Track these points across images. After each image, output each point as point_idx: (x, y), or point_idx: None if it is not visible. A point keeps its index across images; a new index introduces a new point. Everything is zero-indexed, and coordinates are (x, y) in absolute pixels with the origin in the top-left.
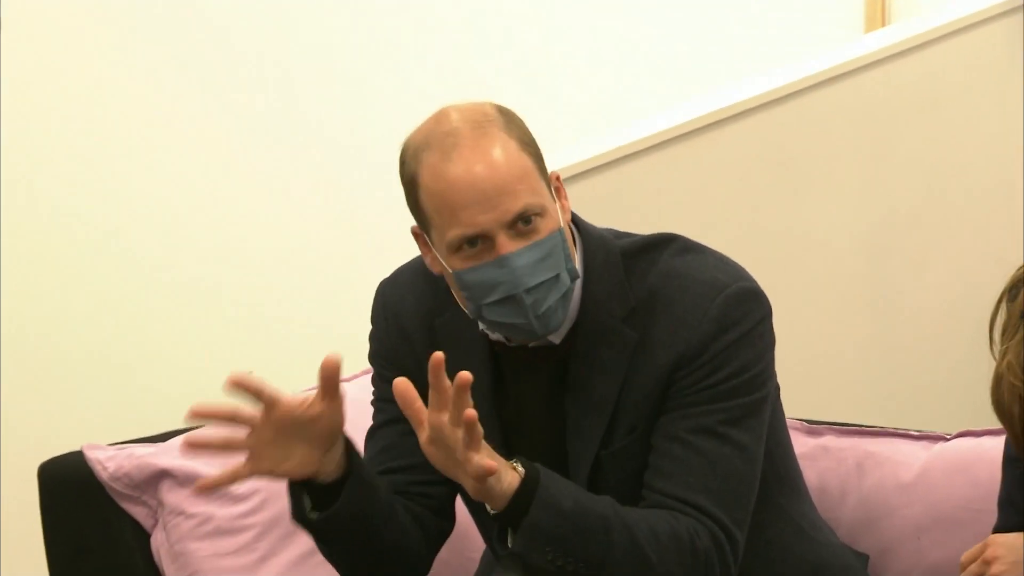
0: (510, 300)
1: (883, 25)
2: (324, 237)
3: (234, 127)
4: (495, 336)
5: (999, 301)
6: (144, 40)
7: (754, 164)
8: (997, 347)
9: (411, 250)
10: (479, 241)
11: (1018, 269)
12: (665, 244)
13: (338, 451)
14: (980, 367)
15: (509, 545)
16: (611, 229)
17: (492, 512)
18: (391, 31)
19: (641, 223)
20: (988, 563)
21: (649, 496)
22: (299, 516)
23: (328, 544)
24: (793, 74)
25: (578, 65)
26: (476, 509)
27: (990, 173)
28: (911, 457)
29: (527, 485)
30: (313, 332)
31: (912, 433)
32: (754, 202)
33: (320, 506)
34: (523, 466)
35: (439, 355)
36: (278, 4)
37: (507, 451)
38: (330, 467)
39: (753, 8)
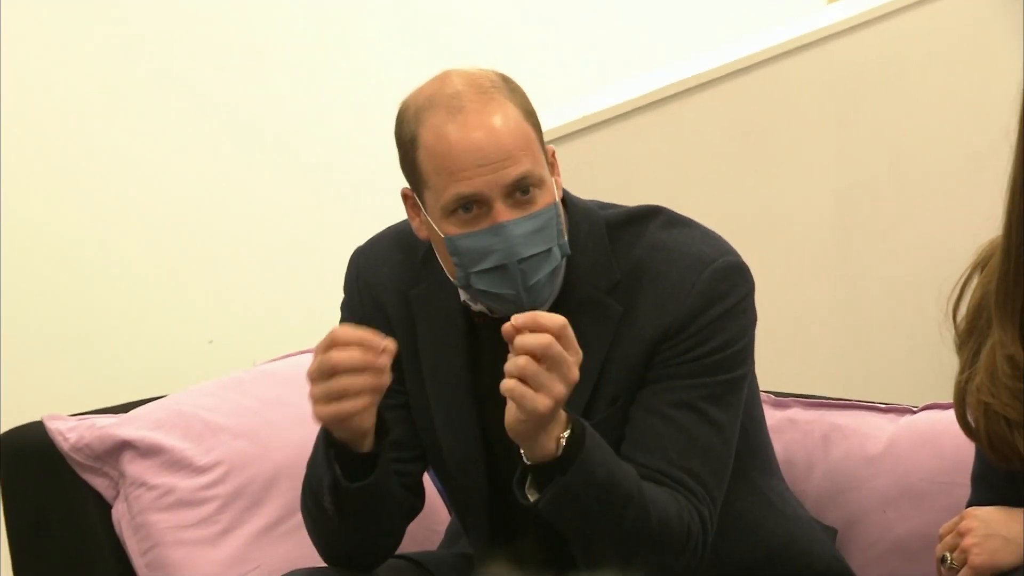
0: (501, 269)
1: None
2: (286, 207)
3: (200, 108)
4: (477, 307)
5: (965, 278)
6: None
7: (720, 134)
8: (954, 328)
9: (372, 223)
10: (475, 206)
11: (984, 245)
12: (651, 216)
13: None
14: (948, 340)
15: (530, 497)
16: (596, 200)
17: (528, 460)
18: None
19: (607, 192)
20: (962, 534)
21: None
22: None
23: (344, 515)
24: (758, 44)
25: (545, 34)
26: (449, 485)
27: (956, 143)
28: (878, 430)
29: (572, 444)
30: (276, 303)
31: (879, 405)
32: (719, 172)
33: (351, 476)
34: (571, 423)
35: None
36: None
37: (481, 427)
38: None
39: None
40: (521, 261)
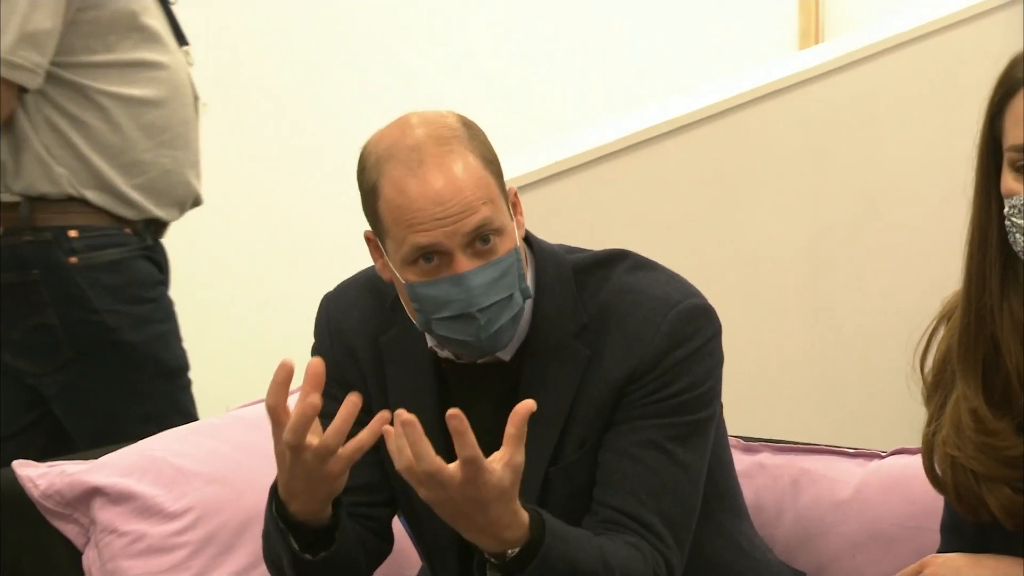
0: (463, 318)
1: (817, 42)
2: (257, 252)
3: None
4: (444, 354)
5: (931, 329)
6: None
7: (692, 179)
8: (920, 378)
9: (342, 269)
10: (435, 256)
11: (950, 297)
12: (618, 260)
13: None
14: (915, 390)
15: None
16: (562, 245)
17: (487, 556)
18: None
19: (579, 237)
20: None
21: (600, 511)
22: (289, 553)
23: None
24: (729, 90)
25: (517, 81)
26: (418, 530)
27: (927, 187)
28: (847, 474)
29: (532, 545)
30: (248, 348)
31: (848, 450)
32: (692, 216)
33: (311, 548)
34: (532, 521)
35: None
36: None
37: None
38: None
39: (689, 26)
40: (482, 310)
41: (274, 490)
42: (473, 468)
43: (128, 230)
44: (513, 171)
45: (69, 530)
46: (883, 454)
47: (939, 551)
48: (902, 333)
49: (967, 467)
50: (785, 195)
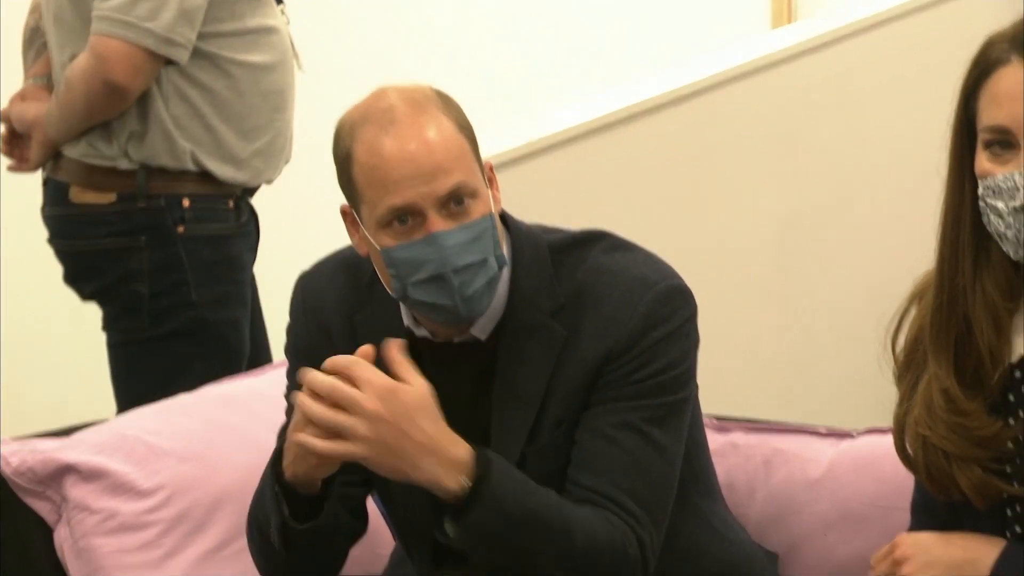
0: (437, 279)
1: (789, 22)
2: None
3: None
4: (420, 333)
5: (903, 310)
6: None
7: (666, 159)
8: (892, 357)
9: (317, 248)
10: (409, 218)
11: (922, 277)
12: (595, 241)
13: None
14: (886, 370)
15: (449, 533)
16: (539, 225)
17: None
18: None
19: (553, 217)
20: (899, 563)
21: (574, 491)
22: (279, 522)
23: (291, 550)
24: (703, 71)
25: (488, 61)
26: (392, 509)
27: (899, 168)
28: (819, 454)
29: (478, 483)
30: None
31: (820, 430)
32: (665, 197)
33: (299, 517)
34: (477, 462)
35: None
36: None
37: None
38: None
39: (662, 6)
40: (456, 271)
41: (277, 454)
42: (393, 381)
43: (230, 204)
44: (486, 151)
45: (41, 507)
46: (855, 434)
47: (910, 530)
48: (874, 313)
49: (938, 447)
50: (759, 175)
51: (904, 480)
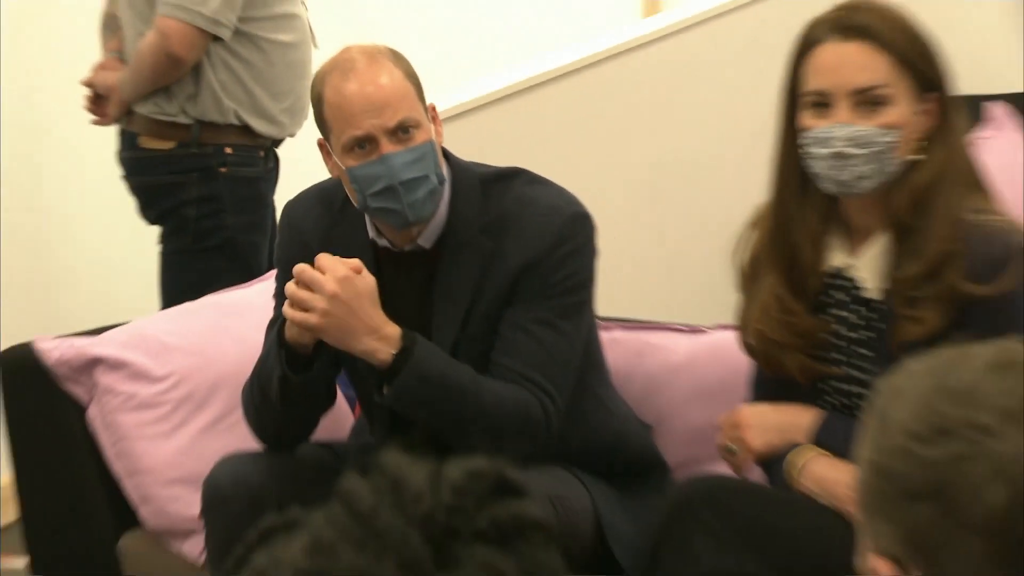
0: (389, 190)
1: (658, 10)
2: None
3: None
4: (382, 243)
5: (744, 234)
6: None
7: (569, 118)
8: (737, 273)
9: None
10: (367, 144)
11: (759, 207)
12: (516, 175)
13: None
14: (734, 276)
15: (384, 395)
16: (472, 162)
17: (378, 368)
18: None
19: (483, 157)
20: (739, 427)
21: (495, 370)
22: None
23: (284, 401)
24: (595, 47)
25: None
26: (358, 383)
27: (742, 125)
28: (680, 345)
29: (404, 354)
30: None
31: (681, 327)
32: (569, 145)
33: (296, 372)
34: (404, 338)
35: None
36: None
37: None
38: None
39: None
40: (403, 183)
41: (281, 325)
42: (351, 272)
43: (262, 153)
44: (442, 104)
45: (76, 391)
46: (707, 330)
47: (748, 403)
48: (723, 236)
49: (771, 338)
50: (637, 130)
51: (745, 364)
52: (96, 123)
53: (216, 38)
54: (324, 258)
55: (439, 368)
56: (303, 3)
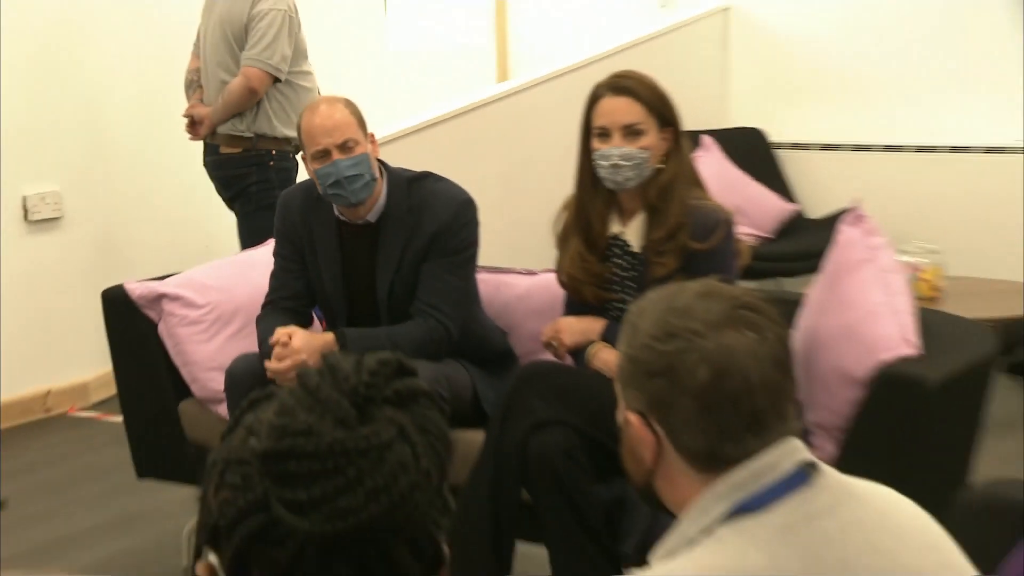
0: (337, 183)
1: (507, 77)
2: None
3: None
4: (343, 219)
5: (560, 212)
6: None
7: (458, 143)
8: (555, 236)
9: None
10: (325, 155)
11: (568, 197)
12: (428, 176)
13: None
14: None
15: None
16: (400, 167)
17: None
18: None
19: (413, 166)
20: (558, 331)
21: (417, 304)
22: None
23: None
24: (466, 100)
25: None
26: (327, 312)
27: (559, 148)
28: (522, 283)
29: (342, 343)
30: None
31: (522, 271)
32: (456, 160)
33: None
34: (338, 337)
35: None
36: None
37: (345, 281)
38: None
39: (434, 67)
40: (346, 178)
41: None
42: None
43: (292, 155)
44: (384, 131)
45: (151, 314)
46: (538, 272)
47: (563, 316)
48: (548, 216)
49: (576, 277)
50: (490, 151)
51: (560, 294)
52: (191, 139)
53: (276, 80)
54: (290, 335)
55: (364, 342)
56: (310, 62)
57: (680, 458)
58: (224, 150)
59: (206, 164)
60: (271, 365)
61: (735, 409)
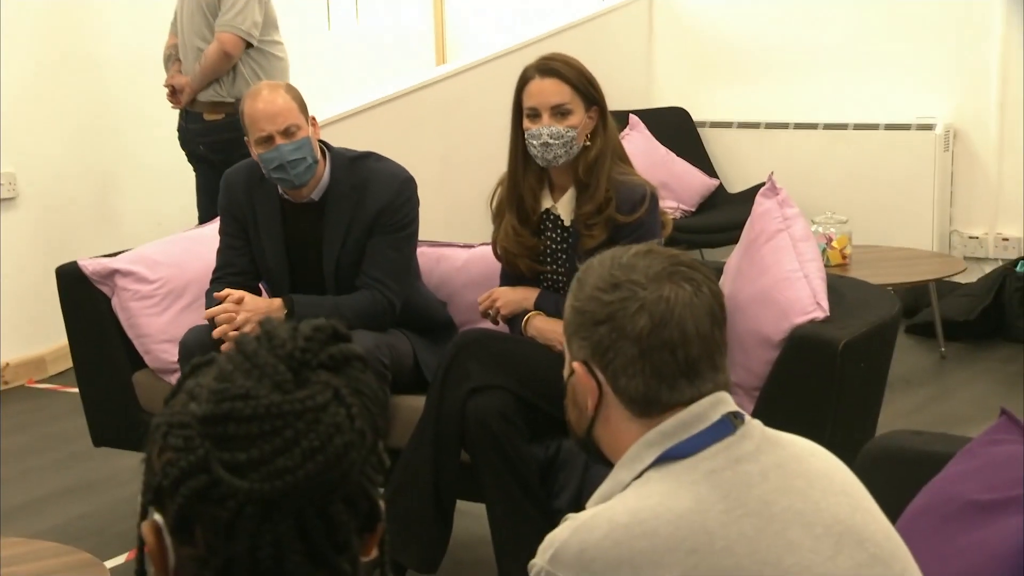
0: (280, 167)
1: (445, 61)
2: None
3: None
4: (287, 198)
5: (496, 188)
6: None
7: (399, 124)
8: (491, 211)
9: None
10: (268, 140)
11: (503, 174)
12: (369, 155)
13: None
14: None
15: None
16: (342, 147)
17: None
18: None
19: (357, 146)
20: (494, 300)
21: (362, 277)
22: None
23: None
24: (406, 83)
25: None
26: (272, 284)
27: (494, 127)
28: (460, 255)
29: (289, 308)
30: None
31: (460, 244)
32: (397, 139)
33: None
34: (285, 303)
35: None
36: None
37: (288, 255)
38: None
39: (374, 51)
40: (289, 162)
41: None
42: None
43: None
44: (326, 113)
45: (104, 289)
46: (475, 245)
47: (500, 286)
48: (484, 192)
49: (510, 250)
50: (430, 133)
51: (496, 266)
52: (174, 107)
53: (248, 45)
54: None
55: (311, 309)
56: (280, 34)
57: (619, 404)
58: (208, 117)
59: (189, 132)
60: (217, 312)
61: (672, 355)
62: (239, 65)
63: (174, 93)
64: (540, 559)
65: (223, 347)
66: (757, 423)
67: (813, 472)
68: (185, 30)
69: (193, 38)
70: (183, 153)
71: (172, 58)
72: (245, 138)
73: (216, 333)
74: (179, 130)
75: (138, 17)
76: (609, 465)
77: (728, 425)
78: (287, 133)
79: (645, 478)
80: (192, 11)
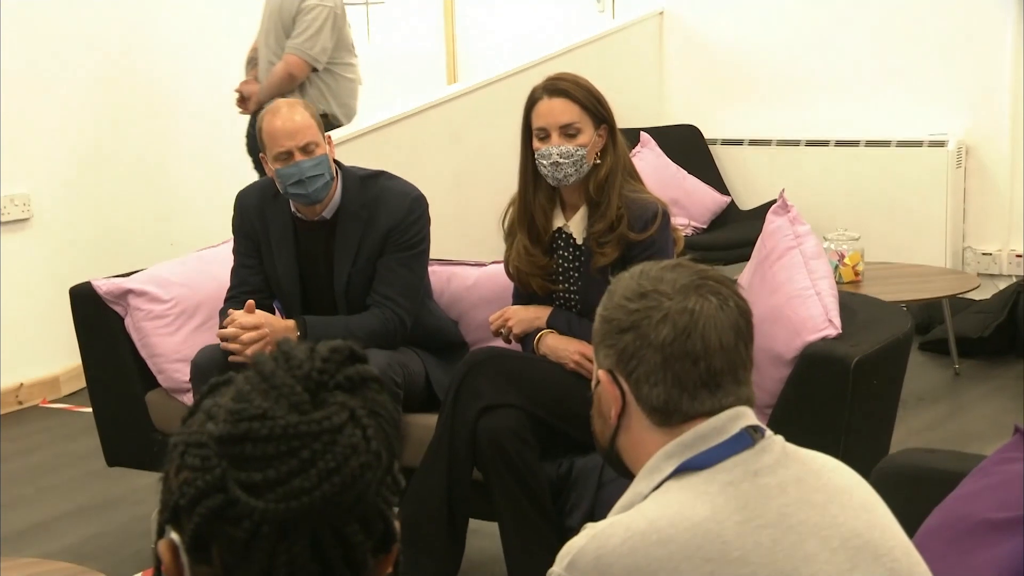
0: (299, 183)
1: (456, 80)
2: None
3: None
4: (300, 216)
5: (507, 209)
6: None
7: (412, 142)
8: (503, 229)
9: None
10: (287, 156)
11: (514, 194)
12: (380, 174)
13: None
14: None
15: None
16: (355, 166)
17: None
18: None
19: (368, 164)
20: (506, 319)
21: (373, 295)
22: None
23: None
24: (421, 101)
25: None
26: (284, 303)
27: (507, 148)
28: (472, 274)
29: (303, 332)
30: (206, 221)
31: (471, 263)
32: (408, 158)
33: None
34: (298, 325)
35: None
36: None
37: (300, 275)
38: None
39: (391, 68)
40: (308, 178)
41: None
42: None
43: (335, 126)
44: (342, 132)
45: (118, 309)
46: (486, 263)
47: (512, 305)
48: (496, 212)
49: (522, 269)
50: (441, 150)
51: (508, 285)
52: (241, 113)
53: (314, 69)
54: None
55: (323, 330)
56: (356, 56)
57: (641, 413)
58: None
59: (254, 140)
60: (228, 335)
61: (694, 365)
62: (306, 84)
63: (243, 100)
64: (558, 566)
65: (230, 355)
66: (779, 438)
67: (832, 487)
68: (262, 42)
69: (267, 52)
70: (202, 172)
71: (252, 62)
72: (261, 155)
73: (225, 347)
74: (247, 136)
75: (152, 40)
76: (632, 479)
77: (747, 438)
78: (306, 150)
79: (664, 488)
80: (270, 27)
